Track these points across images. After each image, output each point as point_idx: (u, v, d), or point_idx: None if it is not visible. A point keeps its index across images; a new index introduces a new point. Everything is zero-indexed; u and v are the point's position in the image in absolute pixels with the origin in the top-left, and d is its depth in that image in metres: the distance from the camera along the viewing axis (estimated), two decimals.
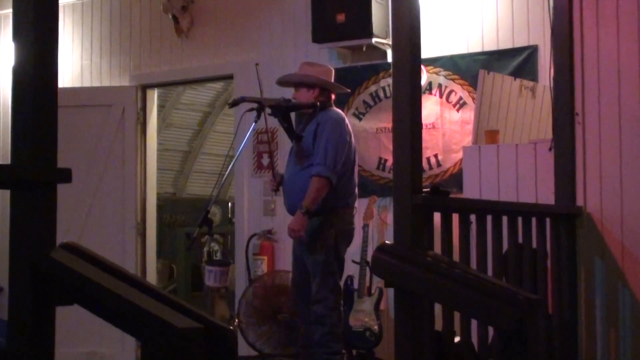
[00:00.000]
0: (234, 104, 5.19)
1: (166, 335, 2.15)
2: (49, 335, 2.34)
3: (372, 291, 6.11)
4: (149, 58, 7.80)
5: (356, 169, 5.30)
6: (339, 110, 5.34)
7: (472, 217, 4.04)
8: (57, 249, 2.38)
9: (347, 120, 5.27)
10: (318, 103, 5.18)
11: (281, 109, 5.16)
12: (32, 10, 2.38)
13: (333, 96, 5.36)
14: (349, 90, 6.09)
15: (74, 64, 8.09)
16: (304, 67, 5.35)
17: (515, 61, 6.21)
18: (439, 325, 3.77)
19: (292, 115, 5.37)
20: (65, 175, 2.37)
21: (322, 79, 5.25)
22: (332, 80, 5.35)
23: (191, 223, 10.39)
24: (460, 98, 6.40)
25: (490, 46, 6.35)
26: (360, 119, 6.77)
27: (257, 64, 5.46)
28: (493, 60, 6.29)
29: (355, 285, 6.14)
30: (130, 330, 2.35)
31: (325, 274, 5.06)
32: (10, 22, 2.52)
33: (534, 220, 4.50)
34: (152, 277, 7.83)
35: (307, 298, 5.14)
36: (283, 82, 5.48)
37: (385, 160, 6.60)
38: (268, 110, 5.19)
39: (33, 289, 2.30)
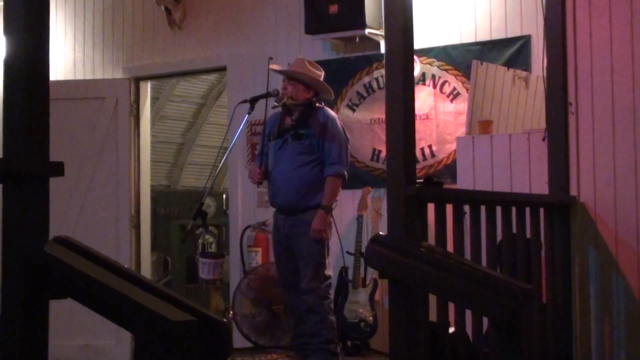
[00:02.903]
0: (252, 101, 5.35)
1: (159, 328, 2.15)
2: (42, 328, 2.34)
3: (367, 282, 6.11)
4: (142, 50, 7.78)
5: None
6: (330, 110, 5.46)
7: (466, 208, 4.04)
8: (50, 243, 2.37)
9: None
10: (314, 99, 5.31)
11: (284, 107, 5.26)
12: (23, 3, 2.38)
13: None
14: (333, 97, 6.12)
15: (67, 57, 8.07)
16: (307, 67, 5.34)
17: (508, 51, 6.20)
18: (433, 316, 3.78)
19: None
20: (58, 169, 2.37)
21: (324, 84, 5.36)
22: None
23: (185, 215, 10.39)
24: (454, 89, 6.40)
25: (483, 36, 6.35)
26: (353, 110, 6.76)
27: (270, 58, 5.48)
28: (486, 50, 6.29)
29: (350, 276, 6.14)
30: (124, 324, 2.35)
31: (318, 264, 5.12)
32: (1, 15, 2.50)
33: (527, 210, 4.50)
34: (146, 270, 7.82)
35: (296, 289, 5.17)
36: (287, 73, 5.46)
37: (379, 151, 6.60)
38: (274, 104, 5.27)
39: (26, 283, 2.30)
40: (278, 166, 5.28)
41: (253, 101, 5.27)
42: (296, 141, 5.20)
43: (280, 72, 5.47)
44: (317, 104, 5.35)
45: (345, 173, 5.22)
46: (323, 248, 5.14)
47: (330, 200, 5.15)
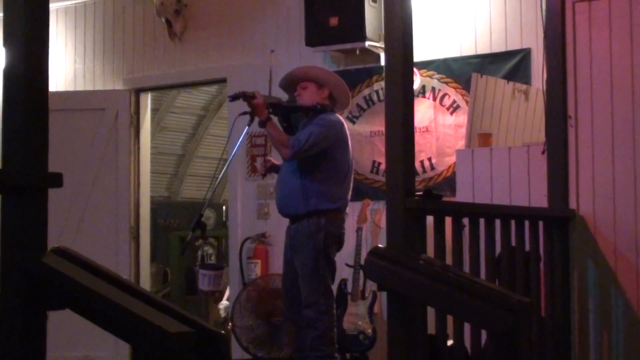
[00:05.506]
0: (234, 98, 5.10)
1: (157, 340, 2.15)
2: (40, 339, 2.33)
3: (366, 294, 6.11)
4: (143, 62, 7.80)
5: (351, 175, 5.20)
6: (339, 116, 5.21)
7: (465, 221, 4.04)
8: (48, 254, 2.37)
9: (345, 127, 5.14)
10: (319, 105, 5.09)
11: (281, 108, 5.15)
12: (22, 15, 2.39)
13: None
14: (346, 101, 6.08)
15: (67, 68, 8.08)
16: (321, 70, 5.31)
17: (508, 64, 6.21)
18: (431, 328, 3.77)
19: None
20: (56, 180, 2.37)
21: (335, 80, 5.18)
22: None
23: (185, 227, 10.40)
24: (454, 101, 6.40)
25: (483, 49, 6.36)
26: (354, 123, 6.77)
27: (272, 50, 5.32)
28: (486, 63, 6.29)
29: (349, 288, 6.14)
30: (122, 335, 2.35)
31: (315, 277, 5.02)
32: (1, 26, 2.50)
33: (527, 223, 4.50)
34: (145, 281, 7.81)
35: (298, 302, 5.13)
36: (299, 75, 5.26)
37: (379, 164, 6.60)
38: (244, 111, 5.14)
39: (24, 293, 2.29)
40: (281, 171, 5.27)
41: (252, 114, 5.20)
42: None
43: (287, 76, 5.39)
44: (333, 110, 5.16)
45: (291, 152, 4.90)
46: (319, 259, 5.00)
47: (270, 132, 4.96)
